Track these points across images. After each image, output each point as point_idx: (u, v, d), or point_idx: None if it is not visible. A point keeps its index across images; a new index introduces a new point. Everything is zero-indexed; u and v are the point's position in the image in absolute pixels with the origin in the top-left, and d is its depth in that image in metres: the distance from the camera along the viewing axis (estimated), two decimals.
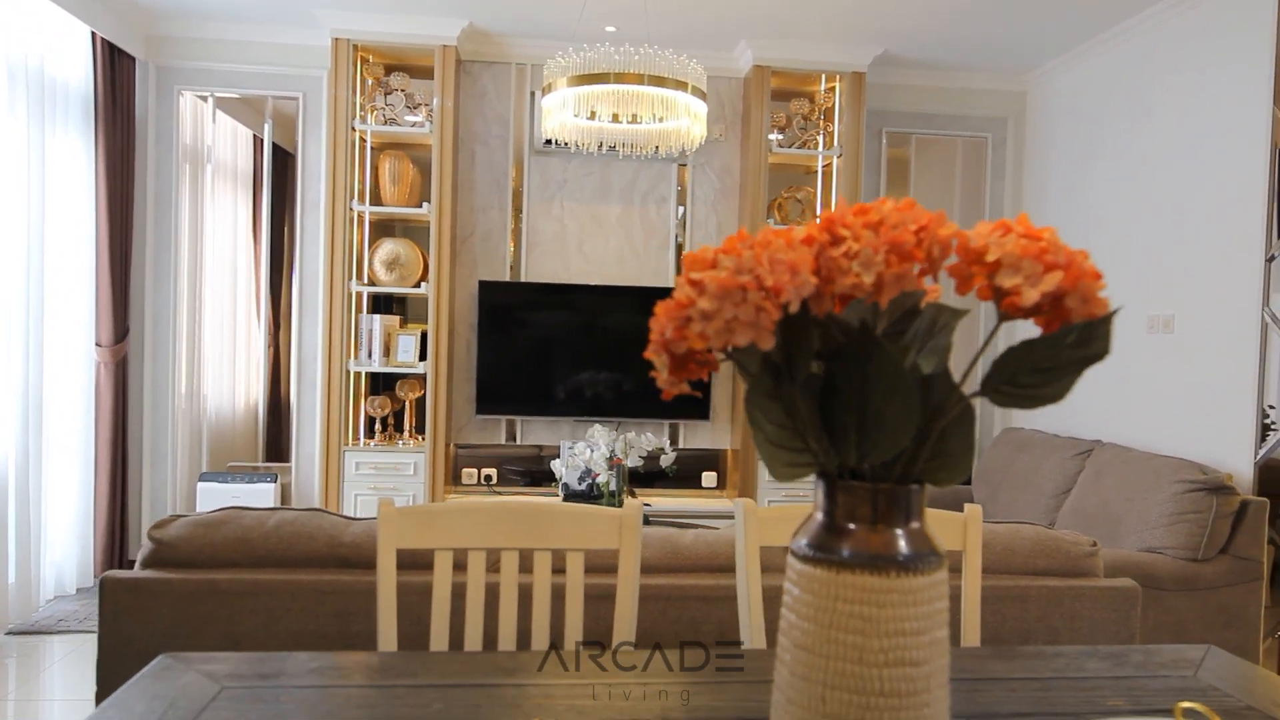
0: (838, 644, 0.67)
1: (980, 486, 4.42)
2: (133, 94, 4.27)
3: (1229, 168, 3.34)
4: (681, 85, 2.85)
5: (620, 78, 2.82)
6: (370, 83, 4.42)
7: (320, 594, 1.75)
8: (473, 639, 1.43)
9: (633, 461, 3.57)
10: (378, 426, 4.51)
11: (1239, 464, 3.21)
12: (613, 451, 3.51)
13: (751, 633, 1.46)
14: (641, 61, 2.76)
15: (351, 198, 4.29)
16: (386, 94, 4.42)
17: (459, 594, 1.46)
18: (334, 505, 4.33)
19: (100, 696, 1.72)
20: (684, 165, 4.71)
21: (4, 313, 3.44)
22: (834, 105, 4.62)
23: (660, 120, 3.02)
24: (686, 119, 2.96)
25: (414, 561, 1.62)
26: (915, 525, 0.70)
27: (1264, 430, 3.17)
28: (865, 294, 0.64)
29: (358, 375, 4.45)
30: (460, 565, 1.47)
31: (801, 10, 3.96)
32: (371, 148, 4.49)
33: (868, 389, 0.68)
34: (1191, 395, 3.50)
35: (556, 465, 3.59)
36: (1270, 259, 3.14)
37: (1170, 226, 3.67)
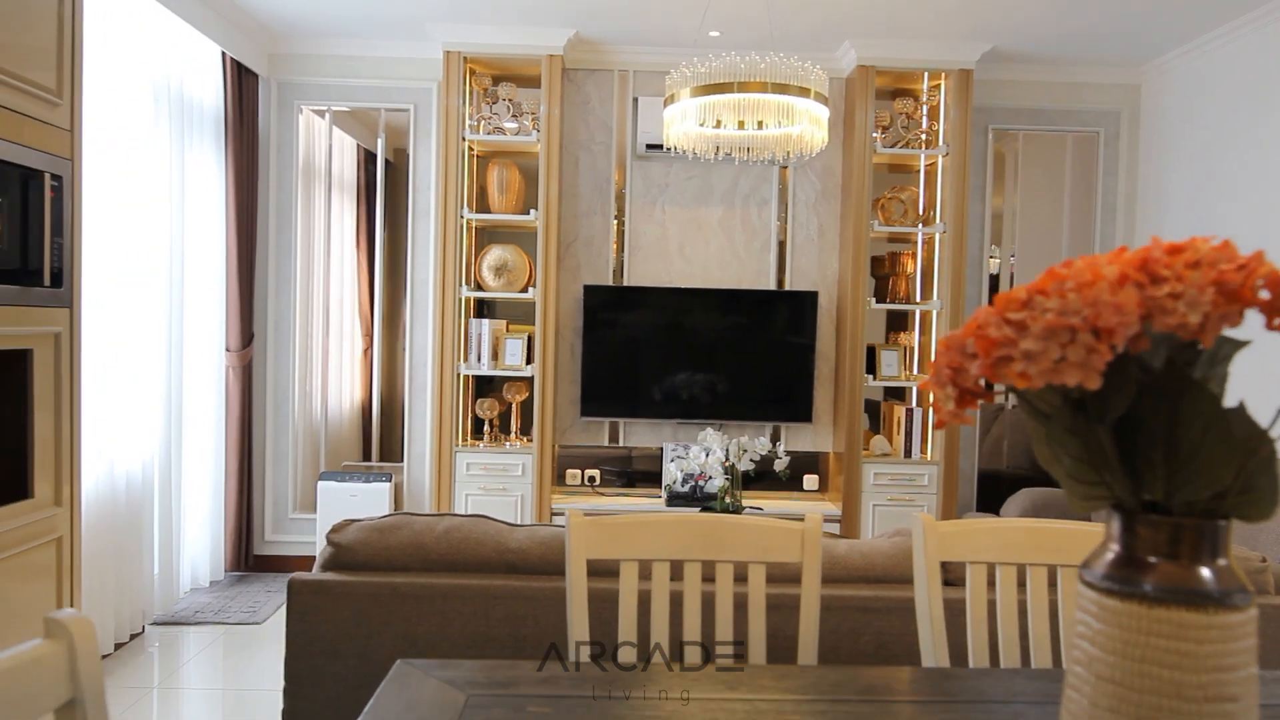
0: (1151, 678, 0.68)
1: None
2: (256, 110, 4.46)
3: None
4: (804, 91, 2.84)
5: (744, 86, 2.83)
6: (478, 93, 4.53)
7: (491, 598, 1.82)
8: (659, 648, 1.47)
9: (744, 465, 3.58)
10: (486, 428, 4.62)
11: None
12: (727, 453, 3.53)
13: (935, 652, 1.46)
14: (768, 69, 2.77)
15: (461, 206, 4.40)
16: (492, 103, 4.52)
17: (642, 602, 1.50)
18: (445, 504, 4.46)
19: (288, 690, 1.82)
20: (785, 167, 4.70)
21: (153, 319, 3.64)
22: (939, 103, 4.55)
23: (780, 125, 3.03)
24: (810, 124, 2.96)
25: (591, 569, 1.67)
26: (1223, 561, 0.70)
27: None
28: (1190, 333, 0.65)
29: (465, 378, 4.57)
30: (643, 575, 1.51)
31: (908, 9, 3.91)
32: (477, 156, 4.60)
33: (1179, 426, 0.68)
34: None
35: (671, 468, 3.62)
36: None
37: None
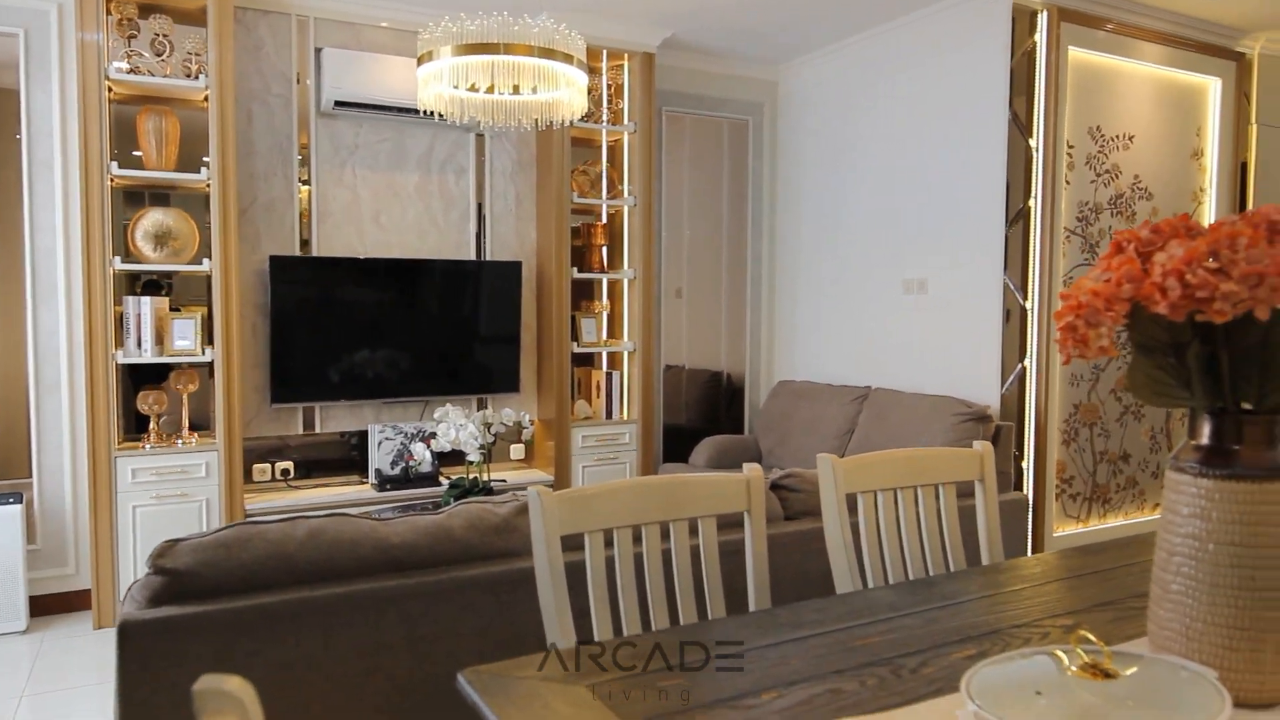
0: (1266, 535, 0.91)
1: (766, 435, 4.98)
2: None
3: (972, 154, 4.12)
4: (569, 58, 2.86)
5: (510, 49, 2.76)
6: (115, 23, 3.73)
7: (383, 602, 1.62)
8: (630, 614, 1.46)
9: (488, 439, 3.53)
10: (152, 426, 3.90)
11: (988, 398, 4.03)
12: (468, 429, 3.43)
13: (852, 577, 1.65)
14: (539, 34, 2.73)
15: (108, 160, 3.62)
16: (131, 38, 3.77)
17: (608, 570, 1.47)
18: (105, 521, 3.69)
19: None
20: (480, 135, 4.62)
21: None
22: (622, 83, 4.82)
23: (535, 91, 3.00)
24: (568, 90, 2.98)
25: (520, 549, 1.58)
26: None
27: (1005, 370, 4.01)
28: None
29: (121, 368, 3.80)
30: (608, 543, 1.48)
31: None
32: (113, 101, 3.81)
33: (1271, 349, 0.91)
34: (944, 344, 4.29)
35: (419, 449, 3.43)
36: (1008, 231, 3.96)
37: (921, 203, 4.42)
